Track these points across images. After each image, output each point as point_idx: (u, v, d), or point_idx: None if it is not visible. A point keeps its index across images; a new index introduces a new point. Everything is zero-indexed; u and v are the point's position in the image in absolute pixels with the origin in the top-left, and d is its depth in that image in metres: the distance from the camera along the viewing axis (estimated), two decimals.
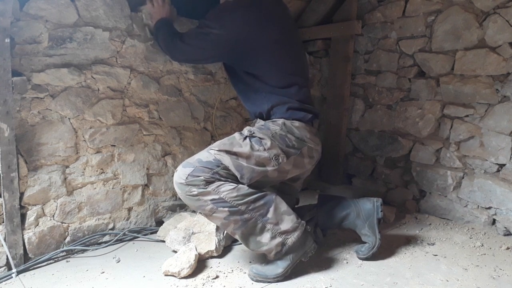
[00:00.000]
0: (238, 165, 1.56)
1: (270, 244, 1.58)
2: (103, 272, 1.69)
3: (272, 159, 1.60)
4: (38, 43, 1.73)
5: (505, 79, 2.05)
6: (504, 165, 2.09)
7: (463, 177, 2.26)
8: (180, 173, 1.57)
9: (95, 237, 1.97)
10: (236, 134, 1.66)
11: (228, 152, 1.57)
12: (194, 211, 2.31)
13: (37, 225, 1.80)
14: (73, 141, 1.89)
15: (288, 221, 1.60)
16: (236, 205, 1.54)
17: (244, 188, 1.56)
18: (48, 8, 1.73)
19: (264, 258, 1.72)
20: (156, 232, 2.09)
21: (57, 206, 1.86)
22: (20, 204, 1.72)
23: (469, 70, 2.17)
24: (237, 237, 1.62)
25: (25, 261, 1.75)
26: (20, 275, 1.66)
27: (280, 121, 1.68)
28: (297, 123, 1.69)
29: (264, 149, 1.59)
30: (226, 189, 1.53)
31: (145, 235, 2.08)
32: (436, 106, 2.35)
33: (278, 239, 1.58)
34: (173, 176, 2.24)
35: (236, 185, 1.55)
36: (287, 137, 1.65)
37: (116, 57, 1.99)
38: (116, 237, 1.99)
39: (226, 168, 1.56)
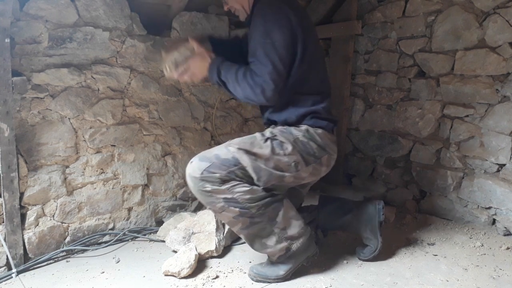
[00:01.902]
0: (257, 166, 1.52)
1: (275, 248, 1.58)
2: (103, 272, 1.69)
3: (291, 165, 1.56)
4: (38, 43, 1.73)
5: (505, 79, 2.05)
6: (504, 165, 2.09)
7: (463, 177, 2.25)
8: (196, 166, 1.51)
9: (95, 237, 1.97)
10: (258, 134, 1.61)
11: (247, 152, 1.53)
12: (194, 211, 2.31)
13: (37, 225, 1.80)
14: (73, 141, 1.89)
15: (295, 227, 1.59)
16: (247, 207, 1.50)
17: (258, 191, 1.52)
18: (48, 8, 1.73)
19: (264, 258, 1.72)
20: (156, 232, 2.09)
21: (57, 206, 1.86)
22: (20, 204, 1.72)
23: (469, 70, 2.17)
24: (242, 236, 1.61)
25: (25, 261, 1.75)
26: (20, 275, 1.66)
27: (304, 127, 1.63)
28: (320, 131, 1.64)
29: (285, 154, 1.55)
30: (240, 190, 1.50)
31: (145, 235, 2.08)
32: (436, 106, 2.35)
33: (284, 244, 1.57)
34: (173, 176, 2.26)
35: (250, 187, 1.51)
36: (309, 144, 1.60)
37: (116, 57, 1.99)
38: (116, 237, 1.99)
39: (243, 168, 1.51)
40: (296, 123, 1.64)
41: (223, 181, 1.49)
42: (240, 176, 1.51)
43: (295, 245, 1.58)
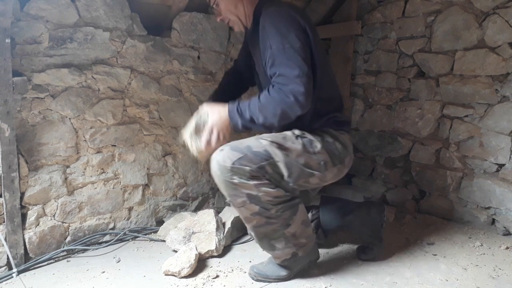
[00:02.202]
0: (289, 162, 1.47)
1: (283, 251, 1.57)
2: (103, 272, 1.70)
3: (321, 164, 1.53)
4: (38, 43, 1.73)
5: (504, 79, 2.05)
6: (503, 165, 2.09)
7: (462, 177, 2.26)
8: (226, 156, 1.43)
9: (95, 237, 1.97)
10: (288, 132, 1.55)
11: (280, 146, 1.47)
12: (194, 211, 2.32)
13: (38, 225, 1.81)
14: (74, 141, 1.90)
15: (305, 233, 1.58)
16: (267, 208, 1.47)
17: (282, 192, 1.49)
18: (48, 8, 1.73)
19: (264, 258, 1.72)
20: (156, 231, 2.10)
21: (57, 206, 1.86)
22: (20, 204, 1.73)
23: (469, 70, 2.18)
24: (252, 233, 1.60)
25: (26, 260, 1.75)
26: (21, 275, 1.66)
27: (326, 129, 1.61)
28: (341, 132, 1.64)
29: (314, 152, 1.51)
30: (266, 190, 1.46)
31: (145, 234, 2.09)
32: (436, 106, 2.35)
33: (291, 249, 1.56)
34: (173, 176, 2.27)
35: (276, 188, 1.48)
36: (334, 144, 1.58)
37: (117, 57, 2.00)
38: (117, 237, 2.00)
39: (274, 164, 1.46)
40: (319, 127, 1.61)
41: (252, 177, 1.43)
42: (270, 172, 1.46)
43: (301, 251, 1.58)
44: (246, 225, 1.59)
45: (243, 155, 1.43)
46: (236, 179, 1.43)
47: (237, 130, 1.48)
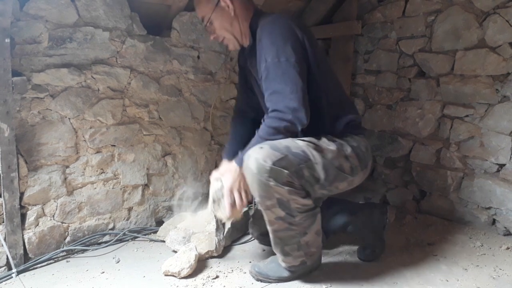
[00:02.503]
0: (326, 164, 1.43)
1: (293, 257, 1.55)
2: (103, 272, 1.69)
3: (352, 167, 1.50)
4: (38, 43, 1.73)
5: (505, 79, 2.05)
6: (504, 165, 2.09)
7: (463, 177, 2.25)
8: (267, 155, 1.36)
9: (95, 237, 1.97)
10: (320, 135, 1.51)
11: (317, 147, 1.43)
12: (194, 211, 2.31)
13: (37, 225, 1.80)
14: (73, 141, 1.89)
15: (316, 243, 1.57)
16: (294, 215, 1.44)
17: (310, 201, 1.48)
18: (48, 8, 1.73)
19: (266, 257, 1.72)
20: (156, 232, 2.09)
21: (57, 206, 1.86)
22: (20, 204, 1.72)
23: (469, 70, 2.17)
24: (270, 235, 1.55)
25: (25, 261, 1.75)
26: (20, 275, 1.66)
27: (348, 134, 1.58)
28: (362, 137, 1.61)
29: (346, 156, 1.48)
30: (297, 198, 1.43)
31: (145, 235, 2.08)
32: (436, 106, 2.35)
33: (302, 258, 1.55)
34: (173, 176, 2.26)
35: (307, 198, 1.46)
36: (359, 148, 1.54)
37: (116, 57, 1.99)
38: (116, 237, 1.99)
39: (311, 166, 1.41)
40: (341, 133, 1.57)
41: (288, 182, 1.39)
42: (306, 176, 1.42)
43: (310, 260, 1.58)
44: (268, 227, 1.54)
45: (283, 156, 1.37)
46: (272, 182, 1.38)
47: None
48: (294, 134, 1.43)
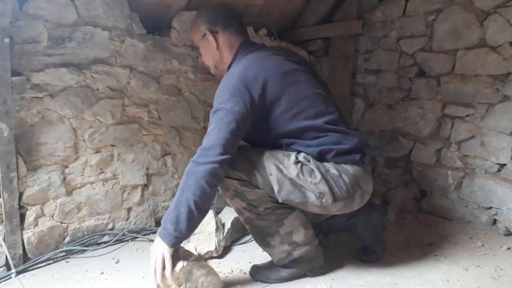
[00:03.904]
0: (281, 178, 1.43)
1: (277, 248, 1.57)
2: (102, 273, 1.69)
3: (316, 195, 1.44)
4: (37, 43, 1.73)
5: (505, 78, 2.04)
6: (505, 165, 2.08)
7: (463, 177, 2.25)
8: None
9: (94, 237, 1.96)
10: (293, 154, 1.49)
11: (275, 162, 1.45)
12: None
13: (37, 225, 1.80)
14: (73, 141, 1.89)
15: (302, 234, 1.55)
16: (254, 205, 1.51)
17: (265, 193, 1.48)
18: (47, 7, 1.72)
19: (265, 259, 1.72)
20: (155, 232, 2.08)
21: (56, 206, 1.85)
22: (19, 204, 1.72)
23: (470, 70, 2.17)
24: (247, 227, 1.63)
25: (25, 261, 1.74)
26: (20, 276, 1.65)
27: (331, 163, 1.50)
28: (349, 165, 1.50)
29: (311, 182, 1.44)
30: (250, 189, 1.48)
31: (144, 235, 2.08)
32: (437, 106, 2.34)
33: (286, 247, 1.55)
34: (172, 176, 2.26)
35: (260, 191, 1.47)
36: (341, 177, 1.47)
37: (116, 56, 1.99)
38: (116, 237, 1.99)
39: (265, 176, 1.44)
40: (329, 159, 1.51)
41: (239, 177, 1.48)
42: (260, 182, 1.45)
43: (297, 252, 1.56)
44: (240, 219, 1.62)
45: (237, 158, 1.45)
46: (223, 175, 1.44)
47: (174, 242, 1.35)
48: (217, 180, 1.39)
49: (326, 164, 1.50)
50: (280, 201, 1.45)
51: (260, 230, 1.57)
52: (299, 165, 1.46)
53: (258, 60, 1.54)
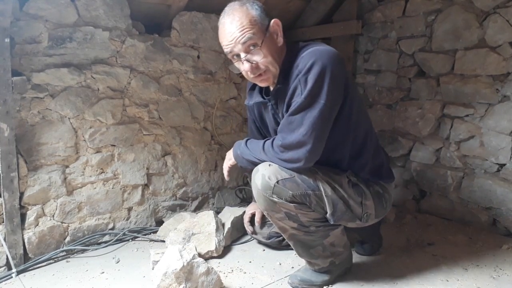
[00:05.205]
0: (336, 199, 1.40)
1: (320, 258, 1.53)
2: (103, 272, 1.69)
3: (364, 215, 1.46)
4: (38, 43, 1.73)
5: (505, 78, 2.04)
6: (504, 165, 2.09)
7: (463, 177, 2.25)
8: (273, 173, 1.37)
9: (95, 237, 1.97)
10: (342, 172, 1.46)
11: (329, 182, 1.40)
12: (194, 211, 2.31)
13: (37, 225, 1.80)
14: (73, 141, 1.89)
15: (342, 242, 1.55)
16: (306, 225, 1.44)
17: (321, 215, 1.45)
18: (48, 8, 1.73)
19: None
20: (156, 232, 2.09)
21: (57, 206, 1.86)
22: (20, 204, 1.72)
23: (469, 70, 2.17)
24: (290, 242, 1.54)
25: (25, 261, 1.75)
26: (20, 275, 1.66)
27: (377, 181, 1.53)
28: (391, 185, 1.58)
29: (361, 202, 1.44)
30: (305, 212, 1.42)
31: (145, 235, 2.08)
32: (436, 106, 2.34)
33: (329, 258, 1.53)
34: (173, 176, 2.26)
35: (313, 212, 1.43)
36: (384, 196, 1.52)
37: (116, 56, 1.99)
38: (116, 237, 1.99)
39: (319, 196, 1.39)
40: (371, 178, 1.53)
41: (293, 201, 1.38)
42: (313, 204, 1.40)
43: (339, 259, 1.57)
44: (284, 236, 1.54)
45: (290, 177, 1.36)
46: (276, 198, 1.37)
47: (238, 158, 1.57)
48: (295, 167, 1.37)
49: (372, 183, 1.52)
50: (331, 223, 1.44)
51: (304, 244, 1.51)
52: (350, 184, 1.46)
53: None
